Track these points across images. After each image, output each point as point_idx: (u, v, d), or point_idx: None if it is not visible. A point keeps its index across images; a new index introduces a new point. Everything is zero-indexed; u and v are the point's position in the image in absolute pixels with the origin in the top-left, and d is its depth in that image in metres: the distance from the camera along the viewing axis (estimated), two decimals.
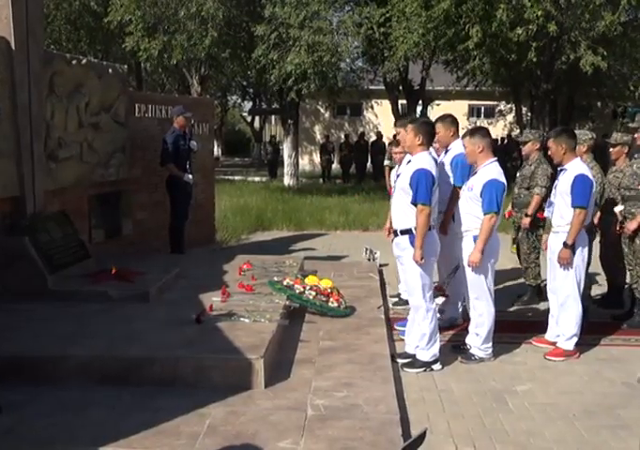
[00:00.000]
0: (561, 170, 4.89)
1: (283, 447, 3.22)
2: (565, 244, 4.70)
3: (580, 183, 4.66)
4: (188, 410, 3.59)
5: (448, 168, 5.31)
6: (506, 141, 22.16)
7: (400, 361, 4.60)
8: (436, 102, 23.53)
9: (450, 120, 5.46)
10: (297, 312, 5.40)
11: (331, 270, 7.10)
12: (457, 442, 3.45)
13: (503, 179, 4.62)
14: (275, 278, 5.77)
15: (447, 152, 5.42)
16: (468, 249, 4.63)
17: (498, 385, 4.27)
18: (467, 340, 4.80)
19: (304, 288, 5.52)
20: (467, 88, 20.91)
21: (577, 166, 4.77)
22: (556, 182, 4.96)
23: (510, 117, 26.33)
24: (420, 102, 20.23)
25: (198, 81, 18.62)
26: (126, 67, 8.25)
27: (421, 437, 2.44)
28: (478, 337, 4.73)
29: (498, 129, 25.14)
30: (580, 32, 14.41)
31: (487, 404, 3.96)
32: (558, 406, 3.95)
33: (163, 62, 17.15)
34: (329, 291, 5.62)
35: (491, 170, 4.62)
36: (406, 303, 5.29)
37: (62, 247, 5.90)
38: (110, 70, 7.32)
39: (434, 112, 25.29)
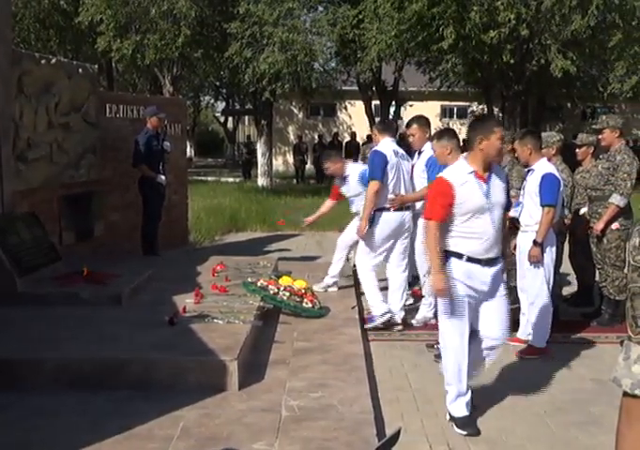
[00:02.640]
0: (528, 170, 4.97)
1: (258, 449, 3.20)
2: (535, 242, 4.76)
3: (548, 182, 4.74)
4: (161, 413, 3.55)
5: (422, 169, 5.38)
6: None
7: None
8: (409, 103, 23.70)
9: (425, 121, 5.56)
10: (271, 313, 5.38)
11: (305, 271, 7.09)
12: (431, 441, 3.47)
13: None
14: (249, 279, 5.75)
15: (420, 154, 5.49)
16: None
17: (471, 384, 4.30)
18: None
19: (278, 289, 5.51)
20: (440, 89, 21.08)
21: (544, 166, 4.86)
22: (524, 182, 5.04)
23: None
24: (394, 103, 20.36)
25: (170, 81, 18.47)
26: (96, 66, 8.17)
27: (395, 436, 2.46)
28: None
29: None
30: (550, 35, 14.63)
31: None
32: (530, 403, 3.99)
33: (136, 62, 16.99)
34: (303, 291, 5.62)
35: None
36: None
37: (31, 250, 5.81)
38: (80, 70, 7.24)
39: (408, 112, 25.51)
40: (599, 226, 5.46)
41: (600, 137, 5.62)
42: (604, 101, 20.32)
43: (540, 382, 4.38)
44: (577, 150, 6.08)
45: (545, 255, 4.81)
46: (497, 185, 3.63)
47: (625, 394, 1.34)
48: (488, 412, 3.88)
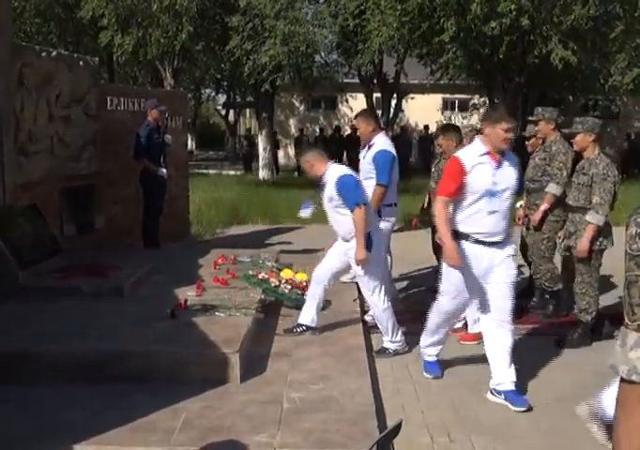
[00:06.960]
0: None
1: (259, 441, 3.21)
2: None
3: None
4: (163, 405, 3.57)
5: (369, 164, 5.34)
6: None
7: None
8: (411, 96, 23.61)
9: (370, 115, 5.65)
10: (272, 306, 5.39)
11: (307, 264, 7.07)
12: (432, 433, 3.48)
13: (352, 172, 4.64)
14: (250, 272, 5.76)
15: (369, 148, 5.40)
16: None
17: (472, 376, 4.31)
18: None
19: (279, 281, 5.53)
20: (441, 81, 20.99)
21: None
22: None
23: (483, 110, 26.53)
24: (395, 96, 20.28)
25: (171, 73, 18.43)
26: (97, 59, 8.14)
27: (397, 428, 2.46)
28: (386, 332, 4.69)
29: (472, 123, 25.30)
30: (551, 26, 14.59)
31: (461, 394, 4.01)
32: (531, 395, 4.00)
33: (138, 57, 16.96)
34: (305, 284, 5.62)
35: (333, 169, 4.59)
36: None
37: (33, 243, 5.81)
38: (81, 63, 7.22)
39: (409, 105, 25.43)
40: (536, 216, 5.45)
41: (536, 128, 5.66)
42: (606, 94, 20.26)
43: (542, 373, 4.39)
44: (527, 142, 6.06)
45: None
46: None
47: (622, 380, 1.37)
48: (490, 403, 3.89)
